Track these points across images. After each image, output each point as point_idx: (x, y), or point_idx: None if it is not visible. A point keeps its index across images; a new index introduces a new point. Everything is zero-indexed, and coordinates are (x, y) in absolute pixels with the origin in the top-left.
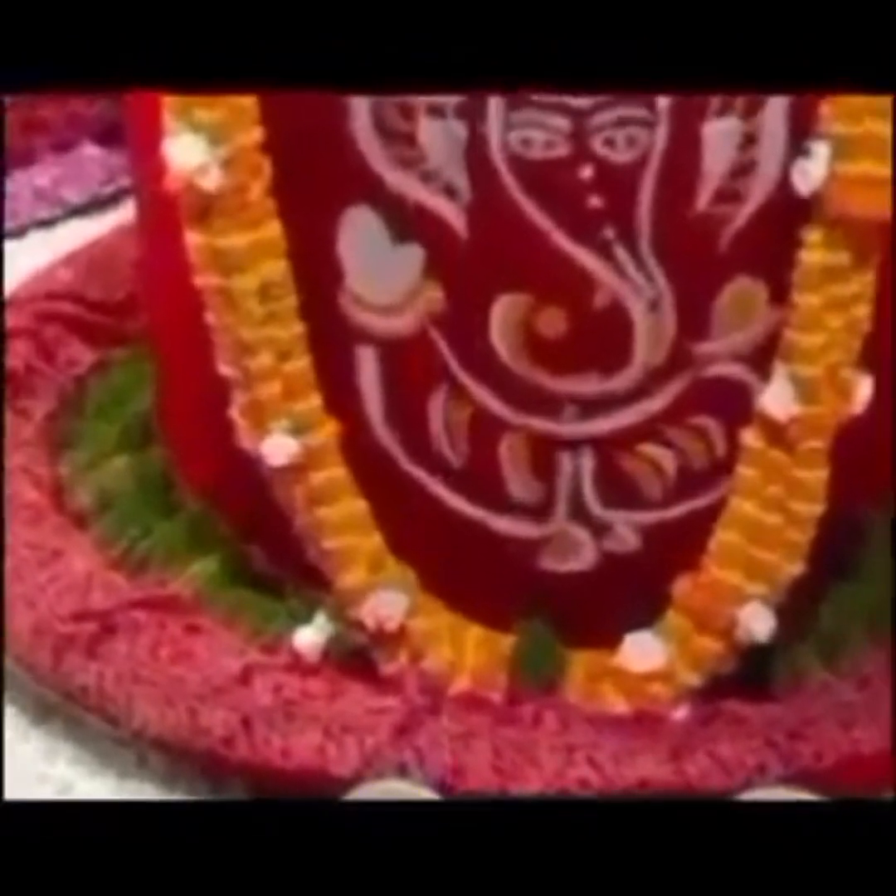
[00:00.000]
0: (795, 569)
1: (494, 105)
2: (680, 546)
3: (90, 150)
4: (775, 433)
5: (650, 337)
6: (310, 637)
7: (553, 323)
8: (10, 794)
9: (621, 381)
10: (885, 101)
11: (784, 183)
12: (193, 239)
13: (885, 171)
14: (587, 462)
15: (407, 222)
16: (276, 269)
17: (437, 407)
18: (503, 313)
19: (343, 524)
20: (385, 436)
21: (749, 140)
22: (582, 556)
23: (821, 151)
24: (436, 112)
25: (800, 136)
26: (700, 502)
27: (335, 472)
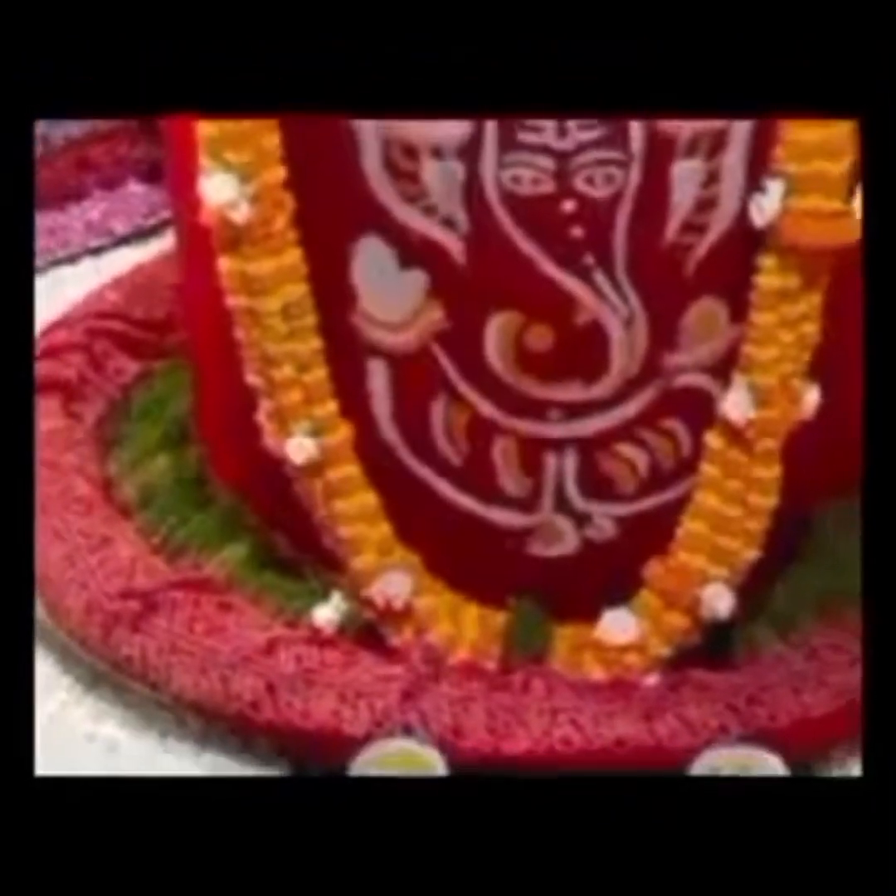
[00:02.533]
0: (753, 554)
1: (488, 147)
2: (651, 534)
3: (135, 187)
4: (735, 435)
5: (625, 350)
6: (327, 614)
7: (540, 338)
8: (66, 751)
9: (600, 390)
10: (834, 142)
11: (742, 216)
12: (225, 265)
13: (832, 205)
14: (570, 460)
15: (412, 250)
16: (297, 291)
17: (438, 412)
18: (496, 330)
19: (356, 515)
20: (392, 437)
21: (712, 178)
22: (565, 542)
23: (775, 188)
24: (437, 153)
25: (756, 175)
26: (669, 496)
27: (349, 470)
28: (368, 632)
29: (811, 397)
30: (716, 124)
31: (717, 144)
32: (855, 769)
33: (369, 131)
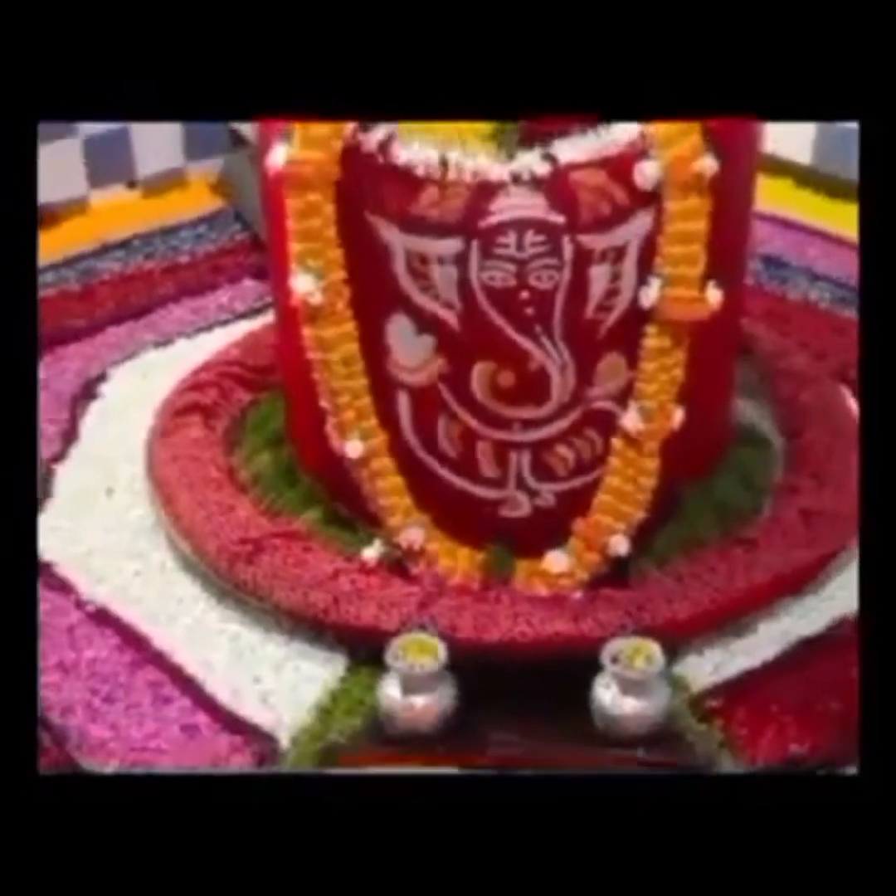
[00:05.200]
0: (640, 515)
1: (474, 257)
2: (578, 503)
3: (249, 282)
4: (630, 440)
5: (561, 386)
6: (371, 553)
7: (507, 378)
8: (204, 641)
9: (545, 411)
10: (693, 255)
11: (635, 300)
12: (306, 331)
13: (692, 294)
14: (526, 456)
15: (425, 322)
16: (351, 348)
17: (441, 425)
18: (479, 373)
19: (389, 491)
20: (412, 441)
21: (616, 276)
22: (523, 508)
23: (655, 283)
24: (441, 261)
25: (644, 275)
26: (589, 478)
27: (384, 462)
28: (398, 565)
29: (678, 416)
30: (618, 242)
31: (620, 255)
32: (707, 653)
33: (398, 245)
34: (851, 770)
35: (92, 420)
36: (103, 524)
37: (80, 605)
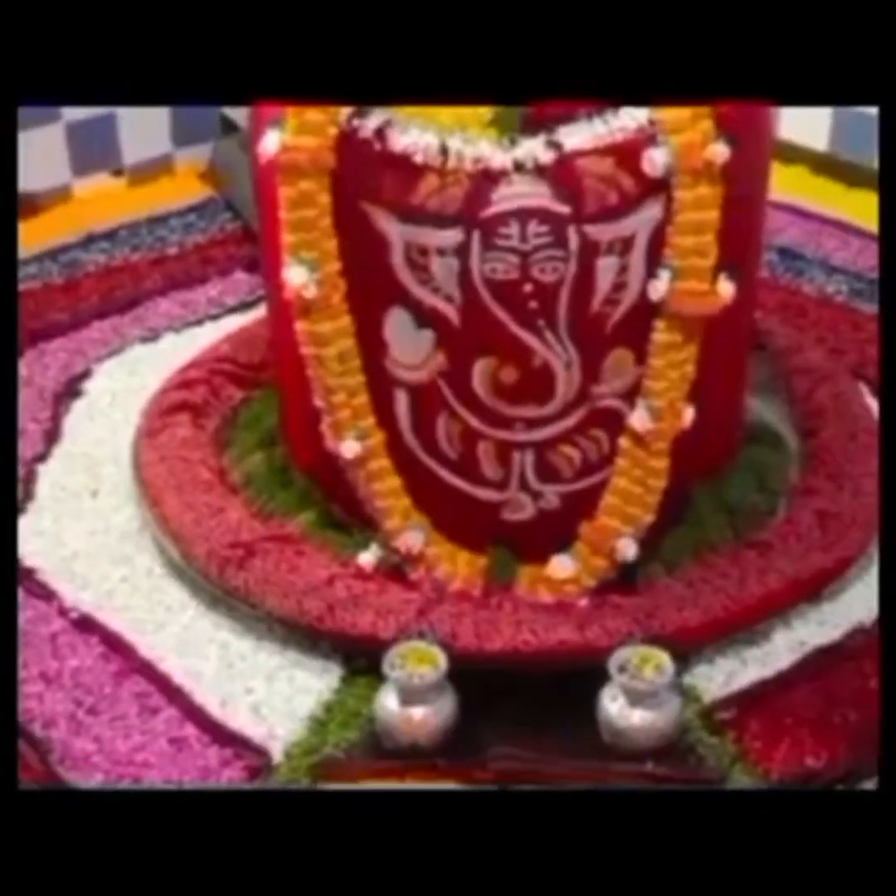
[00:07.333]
0: (649, 518)
1: (475, 248)
2: (584, 505)
3: (240, 275)
4: (638, 440)
5: (566, 383)
6: (368, 558)
7: (509, 375)
8: (195, 650)
9: (549, 409)
10: (704, 246)
11: (643, 293)
12: (300, 326)
13: (702, 287)
14: (529, 456)
15: (424, 316)
16: (348, 344)
17: (441, 424)
18: (480, 370)
19: (386, 492)
20: (411, 441)
21: (623, 269)
22: (526, 510)
23: (664, 275)
24: (441, 252)
25: (652, 267)
26: (595, 479)
27: (382, 462)
28: (395, 570)
29: (689, 414)
30: (626, 232)
31: (627, 246)
32: (720, 663)
33: (396, 236)
34: (870, 785)
35: (76, 418)
36: (87, 527)
37: (63, 612)
